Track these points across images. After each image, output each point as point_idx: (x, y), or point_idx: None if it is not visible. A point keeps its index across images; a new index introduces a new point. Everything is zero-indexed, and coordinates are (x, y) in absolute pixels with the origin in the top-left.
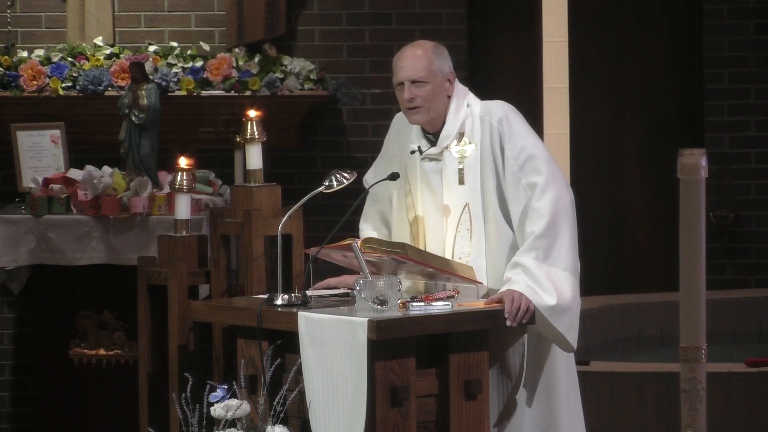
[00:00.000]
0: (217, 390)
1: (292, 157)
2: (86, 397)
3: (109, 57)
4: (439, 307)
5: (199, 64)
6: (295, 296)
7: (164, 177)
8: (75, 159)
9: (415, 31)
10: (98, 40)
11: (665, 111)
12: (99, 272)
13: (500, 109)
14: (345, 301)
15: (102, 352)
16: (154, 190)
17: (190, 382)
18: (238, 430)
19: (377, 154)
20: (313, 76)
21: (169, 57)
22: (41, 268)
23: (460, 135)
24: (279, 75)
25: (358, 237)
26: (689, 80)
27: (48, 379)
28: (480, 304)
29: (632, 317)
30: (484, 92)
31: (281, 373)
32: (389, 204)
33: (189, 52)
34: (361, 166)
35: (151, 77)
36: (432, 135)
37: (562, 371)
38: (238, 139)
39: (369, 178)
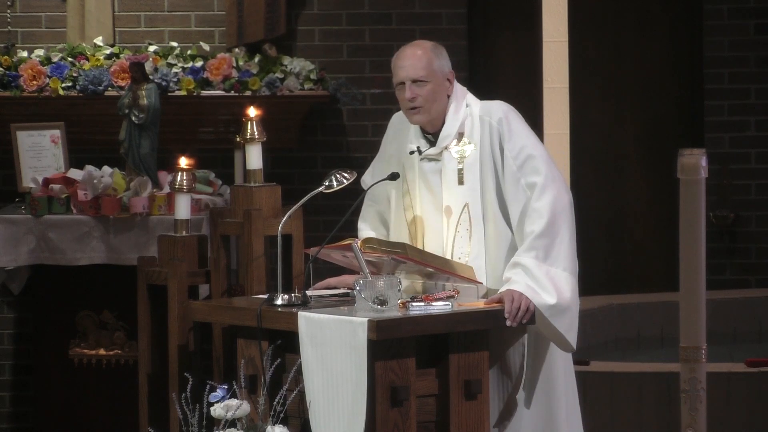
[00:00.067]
0: (217, 390)
1: (292, 157)
2: (86, 397)
3: (109, 57)
4: (439, 307)
5: (199, 64)
6: (295, 296)
7: (164, 177)
8: (75, 159)
9: (415, 31)
10: (98, 40)
11: (665, 111)
12: (99, 272)
13: (500, 109)
14: (345, 301)
15: (102, 352)
16: (154, 190)
17: (190, 382)
18: (238, 430)
19: (377, 154)
20: (313, 76)
21: (169, 57)
22: (41, 268)
23: (460, 135)
24: (279, 75)
25: (357, 237)
26: (689, 80)
27: (48, 379)
28: (480, 304)
29: (632, 317)
30: (484, 92)
31: (281, 373)
32: (387, 204)
33: (189, 52)
34: (361, 166)
35: (151, 77)
36: (431, 135)
37: (561, 371)
38: (238, 139)
39: (367, 178)
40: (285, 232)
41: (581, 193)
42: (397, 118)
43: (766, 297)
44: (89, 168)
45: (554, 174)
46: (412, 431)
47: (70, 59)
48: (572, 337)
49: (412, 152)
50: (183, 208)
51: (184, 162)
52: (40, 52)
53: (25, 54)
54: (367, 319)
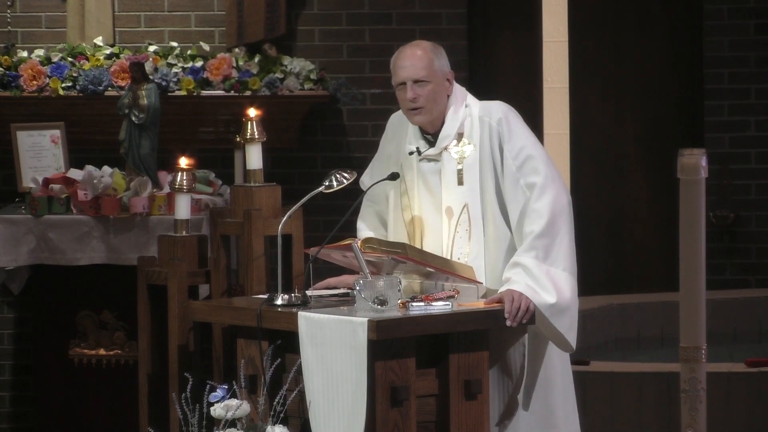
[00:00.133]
0: (217, 390)
1: (292, 157)
2: (86, 397)
3: (109, 57)
4: (439, 307)
5: (199, 64)
6: (295, 296)
7: (164, 177)
8: (75, 159)
9: (415, 31)
10: (98, 40)
11: (665, 111)
12: (99, 272)
13: (499, 109)
14: (345, 301)
15: (102, 352)
16: (154, 190)
17: (190, 382)
18: (238, 430)
19: (375, 155)
20: (313, 76)
21: (169, 57)
22: (41, 268)
23: (459, 135)
24: (279, 75)
25: (356, 237)
26: (689, 80)
27: (48, 379)
28: (480, 304)
29: (632, 317)
30: (484, 92)
31: (281, 373)
32: (386, 204)
33: (189, 52)
34: (361, 166)
35: (151, 77)
36: (430, 135)
37: (558, 372)
38: (238, 139)
39: (365, 179)
40: (285, 232)
41: (581, 193)
42: (396, 118)
43: (766, 297)
44: (89, 168)
45: (553, 174)
46: (412, 431)
47: (70, 59)
48: (572, 337)
49: (411, 153)
50: (183, 208)
51: (184, 162)
52: (40, 52)
53: (25, 54)
54: (367, 319)
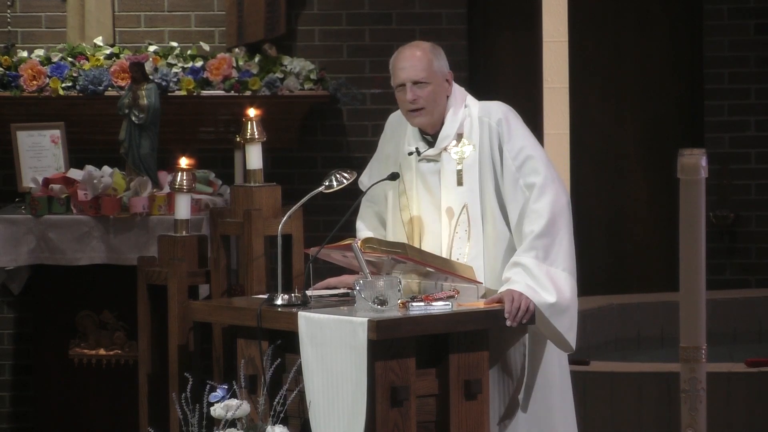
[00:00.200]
0: (217, 390)
1: (292, 157)
2: (86, 397)
3: (109, 57)
4: (439, 307)
5: (199, 64)
6: (295, 296)
7: (164, 177)
8: (75, 159)
9: (415, 31)
10: (98, 40)
11: (665, 111)
12: (99, 272)
13: (499, 110)
14: (345, 301)
15: (102, 352)
16: (154, 190)
17: (190, 382)
18: (238, 430)
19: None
20: (313, 76)
21: (169, 57)
22: (41, 268)
23: (459, 136)
24: (279, 75)
25: (356, 237)
26: (689, 80)
27: (48, 379)
28: (480, 304)
29: (632, 317)
30: (484, 92)
31: (281, 373)
32: (385, 204)
33: (189, 52)
34: (361, 166)
35: (151, 77)
36: (430, 136)
37: (557, 372)
38: (238, 139)
39: (364, 179)
40: (285, 232)
41: (581, 193)
42: (395, 118)
43: (766, 297)
44: (89, 168)
45: (553, 175)
46: (412, 431)
47: (70, 59)
48: (572, 337)
49: (410, 153)
50: (183, 208)
51: (184, 162)
52: (40, 52)
53: (25, 54)
54: (367, 319)
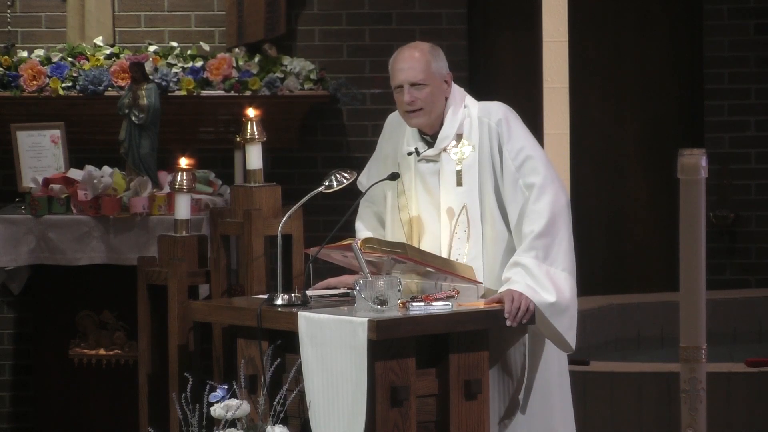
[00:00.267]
0: (217, 390)
1: (292, 157)
2: (86, 397)
3: (109, 57)
4: (439, 307)
5: (199, 64)
6: (295, 296)
7: (164, 177)
8: (75, 159)
9: (415, 31)
10: (98, 40)
11: (665, 111)
12: (99, 272)
13: (498, 110)
14: (345, 301)
15: (102, 352)
16: (154, 190)
17: (190, 382)
18: (238, 430)
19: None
20: (313, 76)
21: (169, 57)
22: (41, 268)
23: (458, 137)
24: (279, 75)
25: (356, 237)
26: (689, 80)
27: (48, 379)
28: (480, 304)
29: (632, 317)
30: (484, 92)
31: (281, 373)
32: (384, 204)
33: (189, 52)
34: (361, 166)
35: (151, 77)
36: (429, 136)
37: (556, 372)
38: (238, 139)
39: (363, 180)
40: (285, 232)
41: (581, 193)
42: (394, 118)
43: (766, 297)
44: (89, 168)
45: (552, 175)
46: (412, 431)
47: (70, 59)
48: (571, 337)
49: (410, 153)
50: (183, 208)
51: (184, 162)
52: (40, 52)
53: (25, 54)
54: (367, 319)
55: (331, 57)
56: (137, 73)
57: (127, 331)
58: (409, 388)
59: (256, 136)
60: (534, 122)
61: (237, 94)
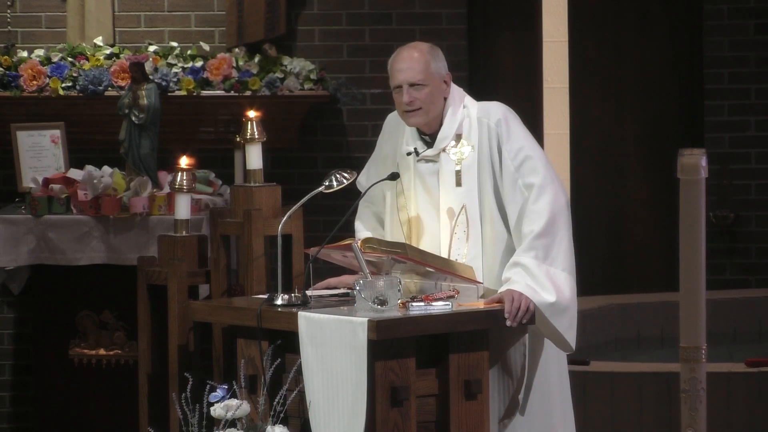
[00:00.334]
0: (217, 390)
1: (292, 157)
2: (86, 397)
3: (109, 57)
4: (439, 307)
5: (199, 64)
6: (295, 296)
7: (164, 177)
8: (75, 159)
9: (415, 31)
10: (98, 40)
11: (665, 111)
12: (99, 272)
13: (498, 110)
14: (345, 301)
15: (102, 352)
16: (154, 190)
17: (190, 382)
18: (238, 430)
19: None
20: (313, 76)
21: (169, 57)
22: (41, 268)
23: (458, 137)
24: (279, 75)
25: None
26: (689, 80)
27: (48, 379)
28: (480, 304)
29: (632, 317)
30: (484, 92)
31: (281, 373)
32: (384, 205)
33: (189, 52)
34: (361, 166)
35: (151, 77)
36: (428, 136)
37: (555, 372)
38: (238, 139)
39: (362, 179)
40: (285, 232)
41: (581, 193)
42: (392, 118)
43: (766, 297)
44: (89, 168)
45: (552, 175)
46: (412, 431)
47: (70, 59)
48: (571, 337)
49: (409, 153)
50: (183, 208)
51: (184, 162)
52: (40, 52)
53: (25, 54)
54: (367, 319)
55: (331, 57)
56: (137, 73)
57: (127, 331)
58: (409, 388)
59: (256, 136)
60: (534, 122)
61: (237, 94)
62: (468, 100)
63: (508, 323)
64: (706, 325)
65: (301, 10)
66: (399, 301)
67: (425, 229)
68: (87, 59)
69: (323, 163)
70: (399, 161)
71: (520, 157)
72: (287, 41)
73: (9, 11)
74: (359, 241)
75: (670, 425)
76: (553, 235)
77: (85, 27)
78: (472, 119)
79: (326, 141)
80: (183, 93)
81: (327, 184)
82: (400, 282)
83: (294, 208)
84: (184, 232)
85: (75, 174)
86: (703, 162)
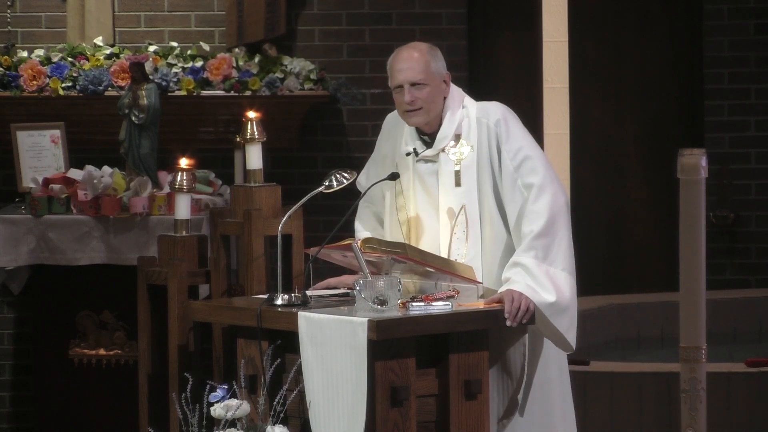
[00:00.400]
0: (217, 390)
1: (292, 157)
2: (86, 397)
3: (109, 57)
4: (439, 307)
5: (199, 64)
6: (295, 296)
7: (164, 177)
8: (75, 159)
9: (415, 31)
10: (98, 40)
11: (665, 111)
12: (99, 272)
13: (497, 110)
14: (345, 301)
15: (102, 352)
16: (154, 190)
17: (190, 382)
18: (238, 430)
19: (371, 155)
20: (313, 76)
21: (169, 57)
22: (41, 268)
23: (457, 137)
24: (279, 75)
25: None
26: (689, 80)
27: (48, 379)
28: (480, 304)
29: (632, 317)
30: (484, 92)
31: (281, 373)
32: (383, 204)
33: (189, 52)
34: (361, 166)
35: (151, 77)
36: (427, 136)
37: (555, 372)
38: (238, 139)
39: (362, 180)
40: (285, 232)
41: (581, 193)
42: (391, 118)
43: (766, 297)
44: (89, 168)
45: (551, 175)
46: (412, 431)
47: (70, 59)
48: (572, 337)
49: (408, 154)
50: (183, 208)
51: (184, 162)
52: (40, 52)
53: (25, 54)
54: (367, 319)
55: (331, 57)
56: (137, 73)
57: (127, 331)
58: (409, 388)
59: (256, 136)
60: (534, 122)
61: (237, 94)
62: (467, 100)
63: (508, 323)
64: (706, 325)
65: (301, 10)
66: (399, 301)
67: (424, 229)
68: (87, 59)
69: (323, 163)
70: (398, 161)
71: (520, 157)
72: (287, 41)
73: (9, 11)
74: (359, 241)
75: (670, 425)
76: (553, 235)
77: (85, 27)
78: (472, 119)
79: (326, 141)
80: (183, 93)
81: (327, 184)
82: (400, 282)
83: (294, 208)
84: (184, 232)
85: (75, 174)
86: (703, 162)
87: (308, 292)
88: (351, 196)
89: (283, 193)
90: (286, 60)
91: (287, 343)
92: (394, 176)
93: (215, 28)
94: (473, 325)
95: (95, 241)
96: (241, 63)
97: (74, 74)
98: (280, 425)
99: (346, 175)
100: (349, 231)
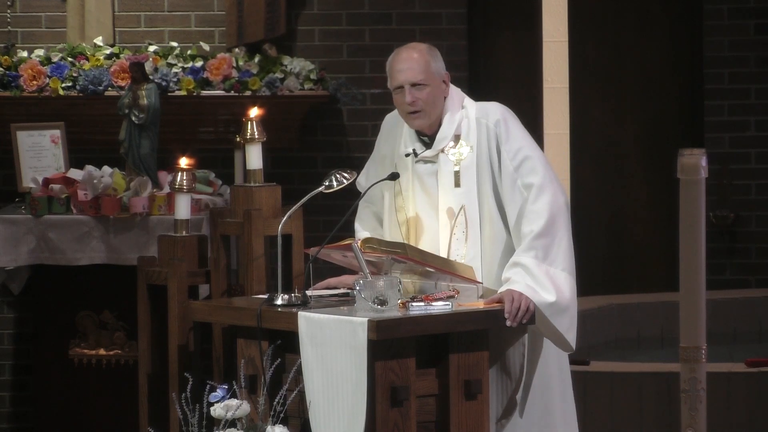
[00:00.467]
0: (217, 390)
1: (292, 157)
2: (86, 397)
3: (109, 57)
4: (439, 307)
5: (199, 64)
6: (295, 296)
7: (164, 177)
8: (75, 159)
9: (415, 31)
10: (98, 40)
11: (665, 111)
12: (99, 272)
13: (496, 111)
14: (345, 301)
15: (102, 352)
16: (154, 190)
17: (190, 382)
18: (238, 430)
19: (371, 155)
20: (313, 76)
21: (169, 57)
22: (41, 268)
23: (456, 137)
24: (279, 75)
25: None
26: (689, 80)
27: (48, 379)
28: (480, 304)
29: (632, 317)
30: (484, 92)
31: (281, 373)
32: (383, 205)
33: (189, 52)
34: (361, 166)
35: (151, 77)
36: (427, 137)
37: (556, 372)
38: (238, 139)
39: (362, 180)
40: (285, 232)
41: (581, 193)
42: (390, 119)
43: (766, 297)
44: (89, 168)
45: (551, 175)
46: (412, 431)
47: (70, 59)
48: (572, 337)
49: (407, 154)
50: (183, 208)
51: (184, 162)
52: (40, 52)
53: (25, 54)
54: (367, 319)
55: (331, 57)
56: (137, 73)
57: (127, 331)
58: (409, 388)
59: (256, 136)
60: (534, 122)
61: (237, 94)
62: (467, 100)
63: (508, 323)
64: (706, 325)
65: (301, 10)
66: (399, 301)
67: (424, 230)
68: (87, 59)
69: (323, 163)
70: (397, 162)
71: (519, 158)
72: (287, 41)
73: (9, 11)
74: (359, 241)
75: (670, 425)
76: (553, 235)
77: (85, 27)
78: (471, 120)
79: (326, 141)
80: (183, 93)
81: (327, 184)
82: (400, 282)
83: (294, 208)
84: (184, 232)
85: (75, 174)
86: (703, 162)
87: (308, 292)
88: (351, 196)
89: (283, 193)
90: (286, 60)
91: (287, 343)
92: (394, 176)
93: (215, 28)
94: (473, 325)
95: (95, 241)
96: (241, 63)
97: (74, 74)
98: (280, 425)
99: (346, 175)
100: (349, 231)
